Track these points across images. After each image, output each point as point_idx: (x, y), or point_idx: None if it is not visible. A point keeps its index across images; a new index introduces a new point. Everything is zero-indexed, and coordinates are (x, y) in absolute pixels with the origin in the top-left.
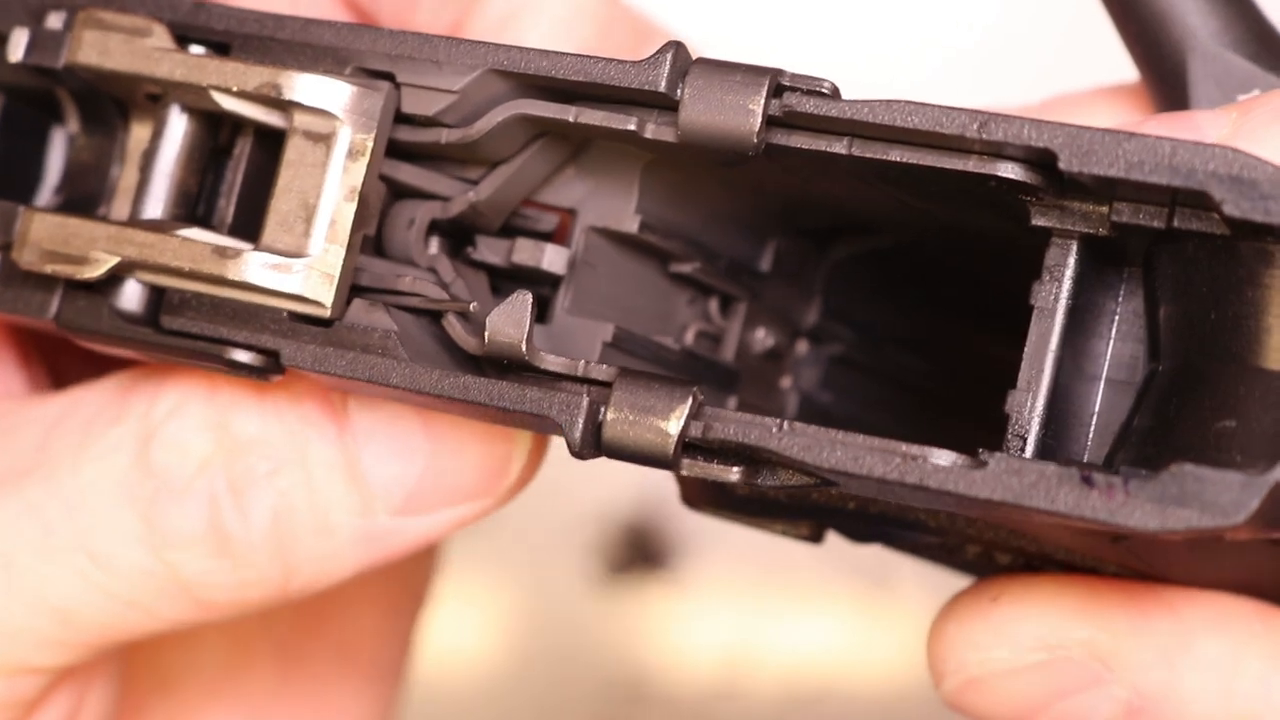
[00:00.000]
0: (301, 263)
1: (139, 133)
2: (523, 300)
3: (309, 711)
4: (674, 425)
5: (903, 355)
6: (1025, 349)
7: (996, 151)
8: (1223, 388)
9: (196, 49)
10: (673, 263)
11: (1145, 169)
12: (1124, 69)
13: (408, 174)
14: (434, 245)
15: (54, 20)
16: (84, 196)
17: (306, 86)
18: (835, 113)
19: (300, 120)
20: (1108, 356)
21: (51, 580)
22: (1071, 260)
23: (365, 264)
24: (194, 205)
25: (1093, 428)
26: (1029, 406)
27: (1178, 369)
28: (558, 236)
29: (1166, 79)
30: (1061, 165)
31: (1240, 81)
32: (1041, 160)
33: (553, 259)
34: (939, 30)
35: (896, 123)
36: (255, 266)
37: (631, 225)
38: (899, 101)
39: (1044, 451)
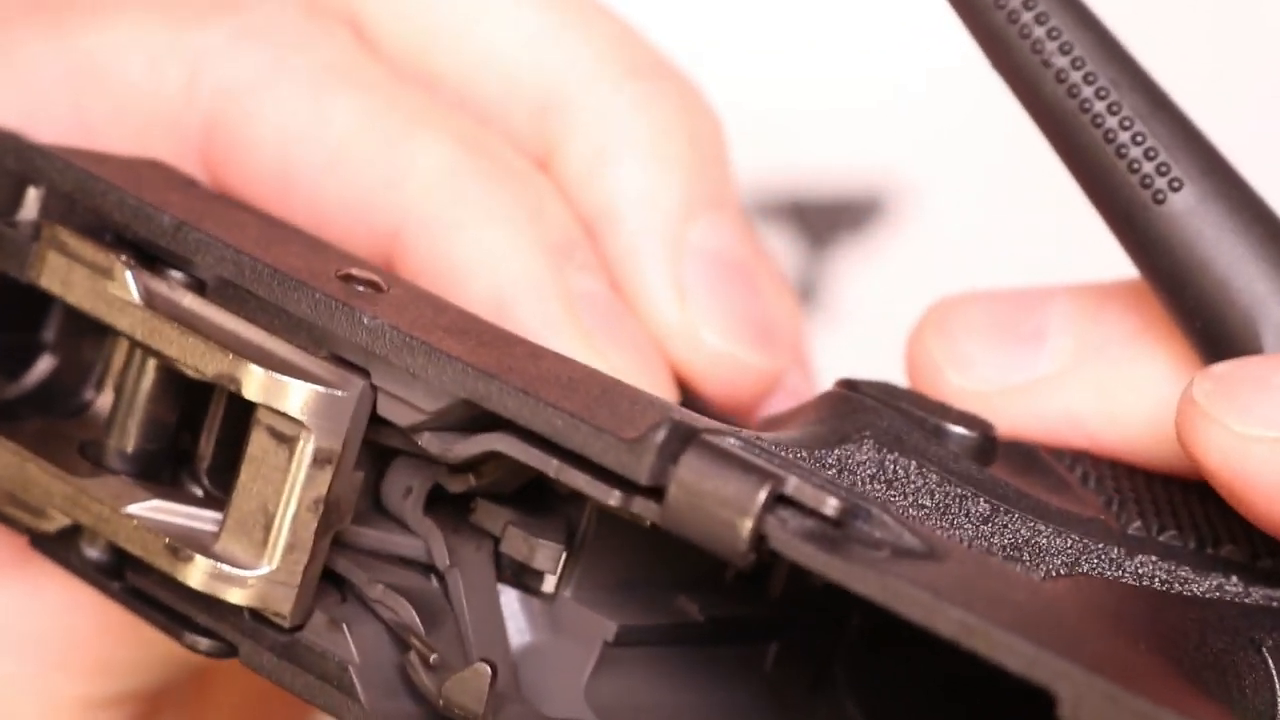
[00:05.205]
0: (258, 574)
1: (116, 357)
2: (481, 674)
3: None
4: None
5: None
6: None
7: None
8: None
9: (174, 275)
10: None
11: None
12: None
13: (395, 439)
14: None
15: (31, 202)
16: (61, 402)
17: (267, 388)
18: (827, 569)
19: (263, 414)
20: None
21: None
22: None
23: (351, 533)
24: (172, 436)
25: None
26: None
27: None
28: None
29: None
30: (1062, 715)
31: None
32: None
33: (544, 558)
34: (920, 49)
35: (901, 611)
36: (208, 578)
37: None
38: (907, 589)
39: None
